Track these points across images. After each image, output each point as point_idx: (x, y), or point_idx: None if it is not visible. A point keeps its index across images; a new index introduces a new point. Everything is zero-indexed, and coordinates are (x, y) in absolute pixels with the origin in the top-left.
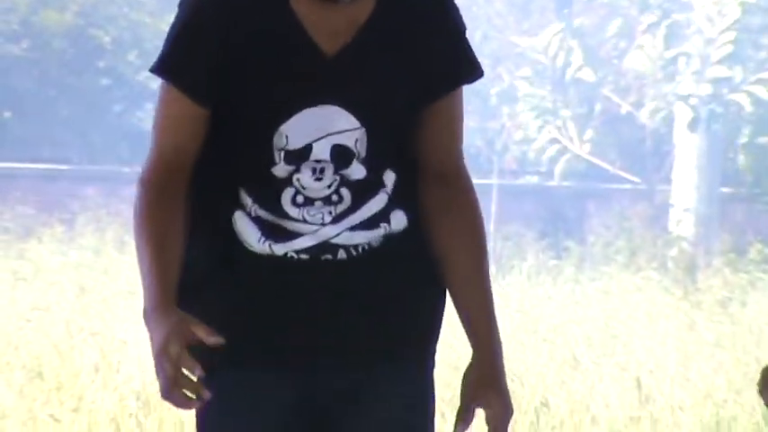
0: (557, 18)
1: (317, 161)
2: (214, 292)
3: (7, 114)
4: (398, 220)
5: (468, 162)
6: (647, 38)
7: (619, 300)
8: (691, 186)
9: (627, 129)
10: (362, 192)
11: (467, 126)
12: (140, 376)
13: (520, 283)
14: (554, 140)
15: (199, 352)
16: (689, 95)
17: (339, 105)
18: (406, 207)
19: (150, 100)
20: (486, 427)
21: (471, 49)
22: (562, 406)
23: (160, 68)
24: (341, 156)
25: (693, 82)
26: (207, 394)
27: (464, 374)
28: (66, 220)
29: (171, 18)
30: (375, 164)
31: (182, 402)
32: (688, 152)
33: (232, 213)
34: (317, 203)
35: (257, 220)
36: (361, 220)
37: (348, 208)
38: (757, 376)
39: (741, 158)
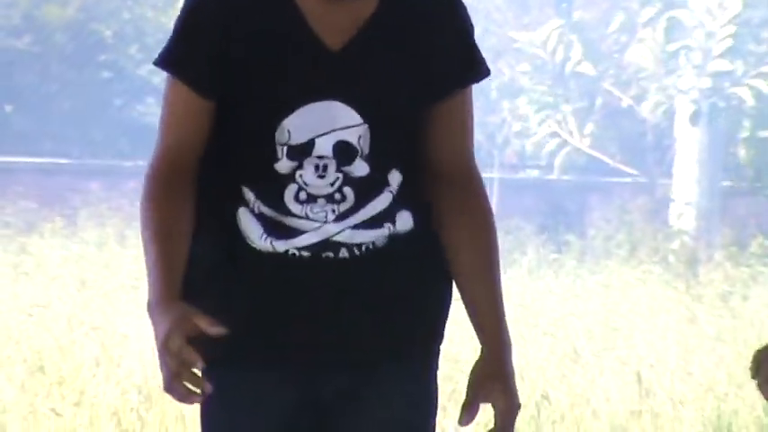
0: (556, 12)
1: (320, 157)
2: (217, 288)
3: (8, 108)
4: (404, 221)
5: None
6: (647, 31)
7: (619, 293)
8: (692, 180)
9: (628, 122)
10: (366, 190)
11: None
12: (142, 370)
13: (520, 277)
14: (554, 134)
15: (202, 347)
16: (690, 89)
17: (342, 101)
18: (412, 208)
19: (152, 94)
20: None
21: (478, 49)
22: (563, 399)
23: (164, 61)
24: (344, 152)
25: (694, 76)
26: (208, 388)
27: (472, 368)
28: (67, 214)
29: (172, 12)
30: (379, 162)
31: (183, 396)
32: (689, 146)
33: (236, 210)
34: (320, 201)
35: (260, 217)
36: (365, 218)
37: (351, 206)
38: None
39: (742, 152)
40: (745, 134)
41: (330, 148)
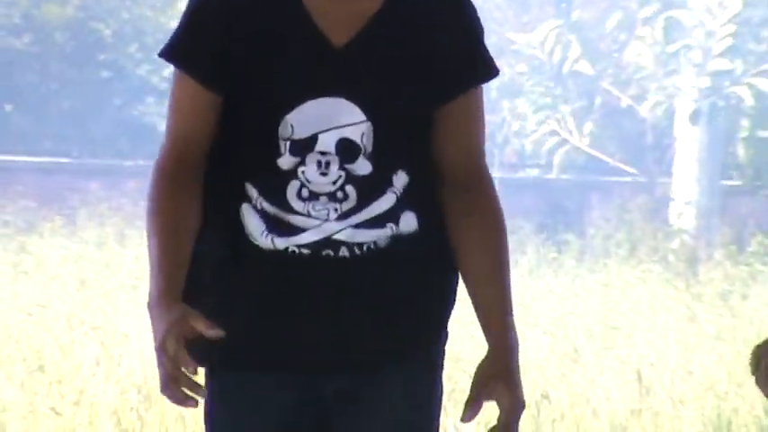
0: (555, 11)
1: (323, 153)
2: (219, 287)
3: (8, 108)
4: (408, 222)
5: None
6: (647, 31)
7: (619, 292)
8: (691, 179)
9: (627, 122)
10: (369, 190)
11: None
12: (142, 370)
13: (520, 276)
14: (554, 132)
15: (203, 348)
16: (690, 88)
17: (345, 97)
18: (418, 210)
19: (151, 94)
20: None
21: (486, 49)
22: (563, 399)
23: (168, 53)
24: (346, 150)
25: (694, 75)
26: (203, 393)
27: (477, 366)
28: (66, 213)
29: (171, 12)
30: (382, 161)
31: (178, 399)
32: (689, 145)
33: (240, 206)
34: (323, 199)
35: (263, 214)
36: (367, 218)
37: (354, 206)
38: None
39: (742, 151)
40: (744, 133)
41: (333, 145)
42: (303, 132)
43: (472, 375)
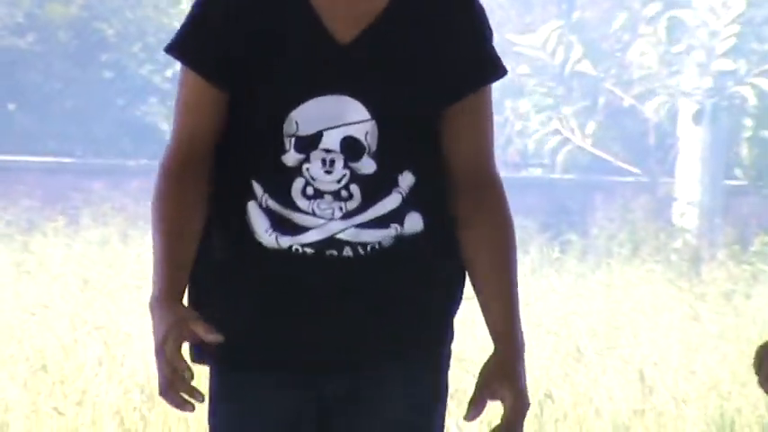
0: (558, 12)
1: (327, 151)
2: (224, 286)
3: (11, 107)
4: (413, 223)
5: None
6: (650, 31)
7: (622, 292)
8: (694, 179)
9: (630, 122)
10: (373, 189)
11: None
12: (145, 370)
13: (523, 276)
14: (557, 132)
15: (204, 348)
16: (693, 88)
17: (350, 95)
18: (424, 210)
19: (154, 94)
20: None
21: (494, 49)
22: (566, 398)
23: (173, 49)
24: (351, 148)
25: (697, 75)
26: (201, 397)
27: (483, 365)
28: (70, 213)
29: (174, 12)
30: (387, 161)
31: (176, 403)
32: (692, 145)
33: (246, 204)
34: (327, 197)
35: (268, 212)
36: (372, 218)
37: (359, 205)
38: None
39: (745, 151)
40: (747, 133)
41: (338, 143)
42: (308, 129)
43: (475, 375)
